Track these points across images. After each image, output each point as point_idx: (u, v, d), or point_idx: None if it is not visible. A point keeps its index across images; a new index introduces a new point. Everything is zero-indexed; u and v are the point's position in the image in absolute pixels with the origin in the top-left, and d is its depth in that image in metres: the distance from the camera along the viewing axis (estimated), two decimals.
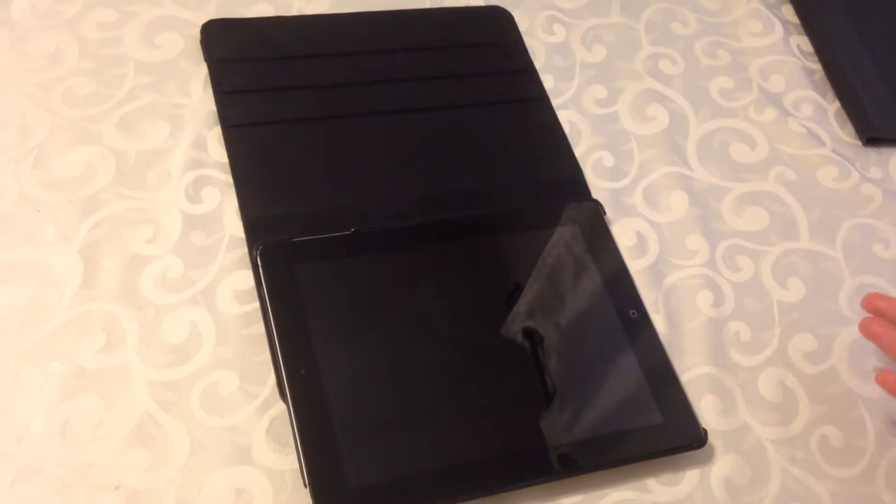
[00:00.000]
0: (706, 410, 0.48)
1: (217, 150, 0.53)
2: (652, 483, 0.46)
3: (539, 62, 0.62)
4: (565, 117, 0.59)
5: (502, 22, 0.63)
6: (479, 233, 0.51)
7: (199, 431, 0.43)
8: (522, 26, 0.64)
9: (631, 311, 0.50)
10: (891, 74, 0.66)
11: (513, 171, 0.56)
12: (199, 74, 0.56)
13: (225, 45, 0.57)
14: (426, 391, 0.45)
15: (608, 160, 0.58)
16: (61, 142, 0.51)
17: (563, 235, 0.52)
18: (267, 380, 0.45)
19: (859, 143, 0.63)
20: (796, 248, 0.56)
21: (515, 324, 0.48)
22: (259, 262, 0.47)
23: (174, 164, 0.52)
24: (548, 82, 0.61)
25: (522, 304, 0.49)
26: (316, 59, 0.57)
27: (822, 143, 0.62)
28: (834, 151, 0.62)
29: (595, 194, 0.56)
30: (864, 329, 0.49)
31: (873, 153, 0.63)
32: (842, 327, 0.53)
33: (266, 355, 0.46)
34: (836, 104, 0.65)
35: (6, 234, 0.47)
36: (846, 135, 0.63)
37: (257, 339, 0.46)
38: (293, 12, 0.61)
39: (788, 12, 0.71)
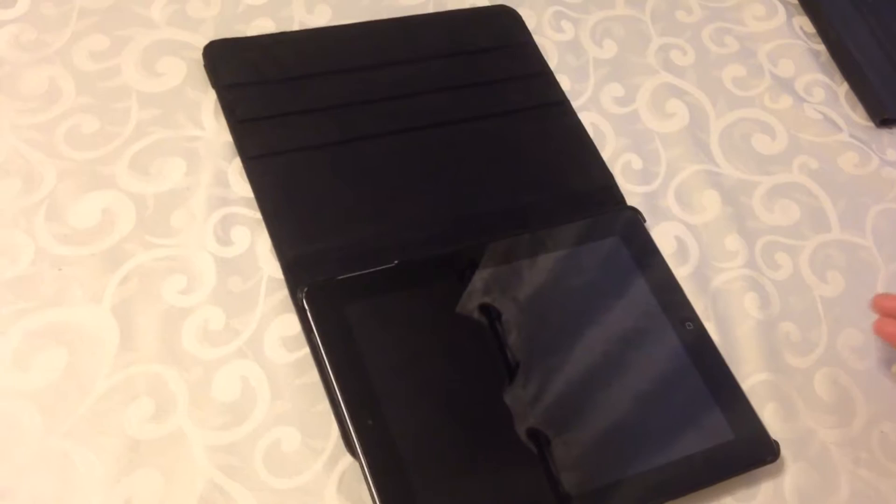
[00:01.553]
0: (770, 419, 0.48)
1: (240, 185, 0.50)
2: (729, 501, 0.45)
3: (552, 62, 0.60)
4: (587, 119, 0.58)
5: (511, 22, 0.61)
6: (523, 254, 0.49)
7: (268, 496, 0.41)
8: (530, 24, 0.62)
9: (686, 323, 0.49)
10: (894, 53, 0.66)
11: (544, 182, 0.54)
12: (207, 102, 0.52)
13: (231, 68, 0.53)
14: (498, 429, 0.43)
15: (636, 162, 0.57)
16: (72, 189, 0.47)
17: (608, 249, 0.51)
18: (329, 432, 0.43)
19: (872, 124, 0.63)
20: (830, 240, 0.56)
21: (572, 346, 0.46)
22: (306, 306, 0.44)
23: (197, 204, 0.48)
24: (564, 83, 0.59)
25: (577, 326, 0.47)
26: (327, 77, 0.54)
27: (838, 128, 0.62)
28: (851, 136, 0.61)
29: (629, 200, 0.55)
30: (878, 331, 0.48)
31: (886, 134, 0.63)
32: None
33: (324, 404, 0.44)
34: (845, 86, 0.65)
35: (30, 297, 0.44)
36: (859, 117, 0.63)
37: (312, 388, 0.44)
38: (295, 26, 0.57)
39: None
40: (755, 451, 0.45)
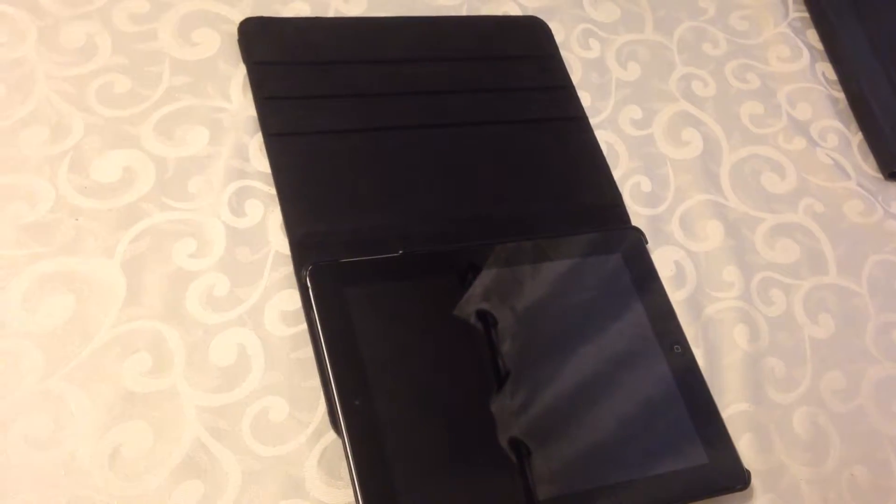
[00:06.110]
0: (745, 448, 0.49)
1: (259, 160, 0.51)
2: None
3: (576, 78, 0.61)
4: (602, 138, 0.59)
5: (540, 34, 0.62)
6: (525, 260, 0.51)
7: (251, 461, 0.42)
8: (559, 38, 0.63)
9: (675, 347, 0.50)
10: None
11: (554, 193, 0.55)
12: (237, 76, 0.54)
13: (264, 46, 0.54)
14: (484, 422, 0.44)
15: (646, 185, 0.58)
16: (97, 144, 0.49)
17: (608, 265, 0.52)
18: (317, 407, 0.44)
19: (881, 176, 0.64)
20: (826, 283, 0.57)
21: (564, 358, 0.48)
22: (309, 284, 0.46)
23: (215, 173, 0.50)
24: (585, 100, 0.60)
25: (570, 339, 0.48)
26: (356, 66, 0.56)
27: (847, 175, 0.63)
28: (859, 185, 0.63)
29: (634, 220, 0.56)
30: None
31: (893, 187, 0.64)
32: (868, 365, 0.54)
33: (314, 381, 0.45)
34: (859, 135, 0.66)
35: (45, 243, 0.45)
36: (869, 168, 0.64)
37: (305, 363, 0.45)
38: (330, 12, 0.59)
39: (813, 37, 0.71)
40: (726, 478, 0.46)
